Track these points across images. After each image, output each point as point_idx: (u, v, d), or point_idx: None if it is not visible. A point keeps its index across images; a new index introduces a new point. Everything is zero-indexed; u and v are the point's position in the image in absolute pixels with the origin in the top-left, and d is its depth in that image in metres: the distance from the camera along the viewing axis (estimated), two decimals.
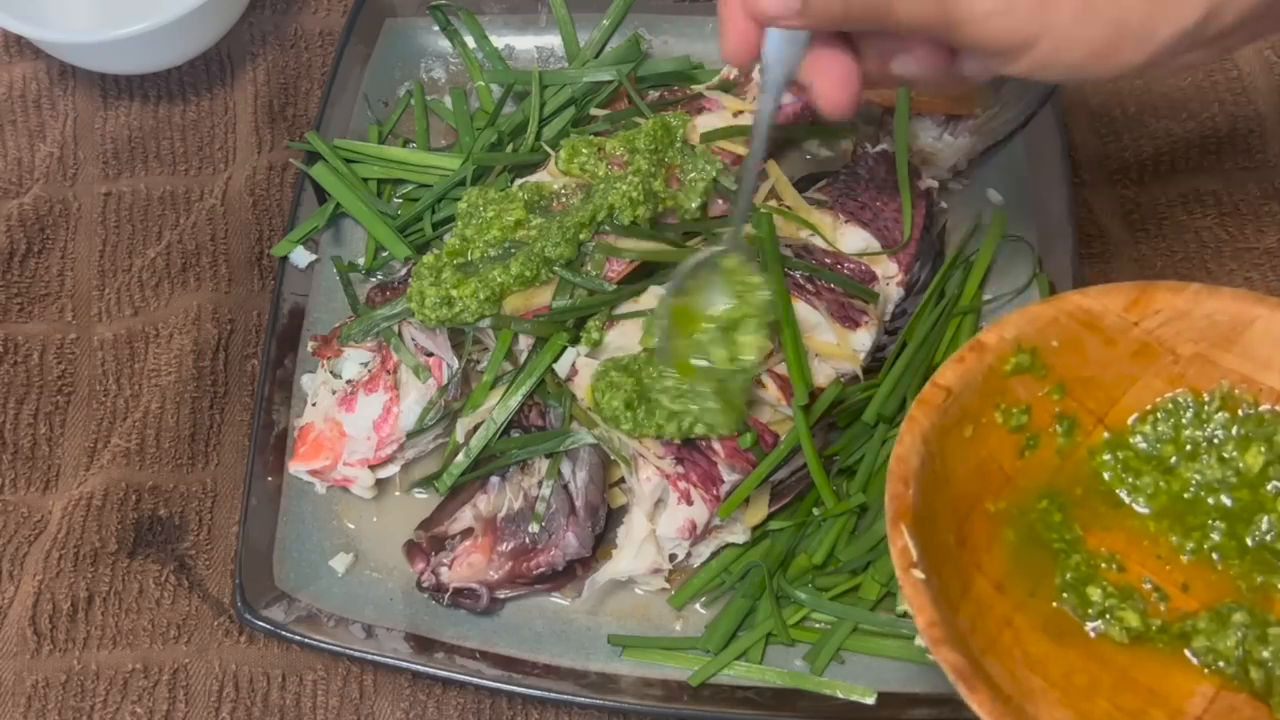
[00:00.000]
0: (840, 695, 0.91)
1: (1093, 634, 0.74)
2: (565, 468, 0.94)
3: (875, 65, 0.77)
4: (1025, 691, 0.69)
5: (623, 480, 0.97)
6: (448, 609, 0.95)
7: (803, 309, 0.98)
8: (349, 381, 1.01)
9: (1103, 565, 0.77)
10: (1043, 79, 0.74)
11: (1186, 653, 0.74)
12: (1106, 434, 0.80)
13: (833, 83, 0.76)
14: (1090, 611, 0.75)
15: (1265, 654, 0.72)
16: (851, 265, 1.02)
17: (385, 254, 1.10)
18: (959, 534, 0.74)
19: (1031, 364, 0.78)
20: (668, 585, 0.96)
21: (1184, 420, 0.79)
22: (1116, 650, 0.74)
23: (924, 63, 0.76)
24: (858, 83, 0.76)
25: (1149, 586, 0.77)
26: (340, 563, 0.98)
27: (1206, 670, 0.73)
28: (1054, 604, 0.75)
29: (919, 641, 0.67)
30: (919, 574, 0.68)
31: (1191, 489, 0.79)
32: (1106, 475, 0.79)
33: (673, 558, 0.94)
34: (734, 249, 0.89)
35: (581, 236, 0.99)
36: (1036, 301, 0.79)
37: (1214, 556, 0.77)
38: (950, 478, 0.75)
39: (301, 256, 1.09)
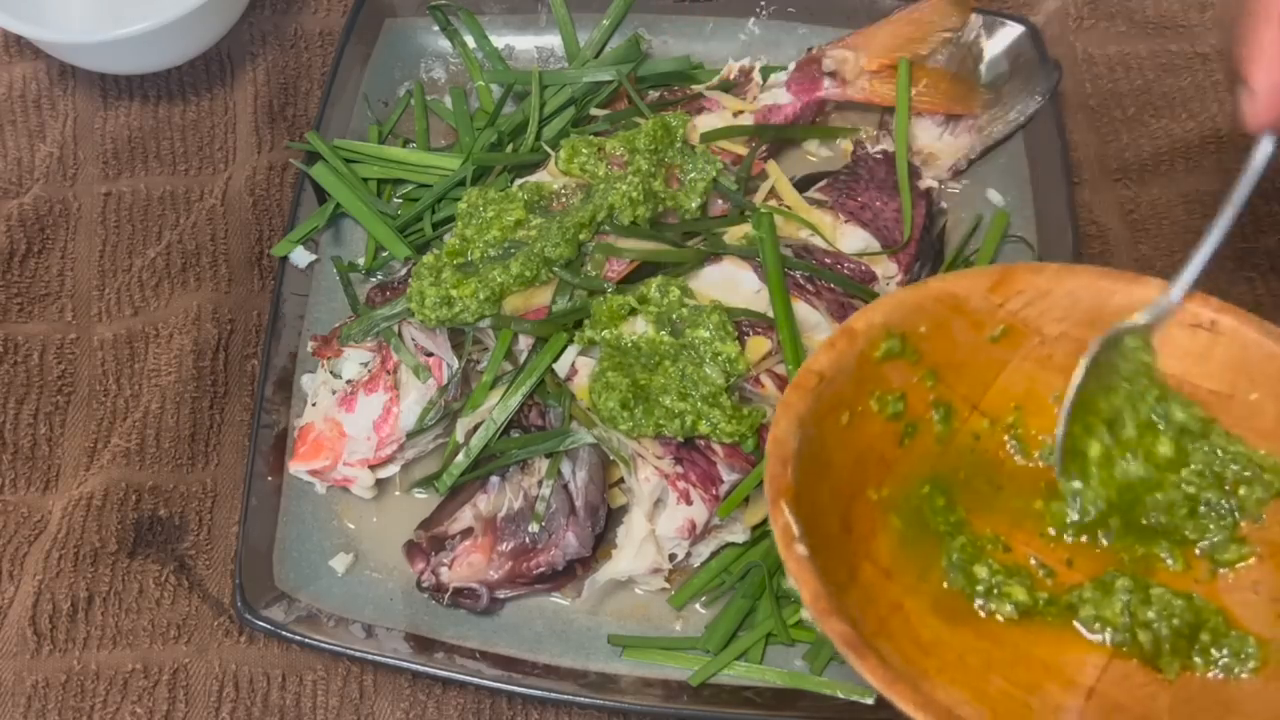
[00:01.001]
0: (840, 695, 0.91)
1: (982, 613, 0.75)
2: (565, 468, 0.94)
3: None
4: (919, 672, 0.69)
5: (622, 480, 0.97)
6: (448, 609, 0.95)
7: (802, 309, 0.98)
8: (349, 381, 1.01)
9: (988, 546, 0.77)
10: None
11: (1076, 624, 0.74)
12: (985, 420, 0.80)
13: None
14: (978, 590, 0.75)
15: (1150, 615, 0.73)
16: (851, 265, 1.02)
17: (385, 254, 1.10)
18: (844, 521, 0.74)
19: (903, 350, 0.78)
20: (668, 585, 0.96)
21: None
22: (1007, 628, 0.74)
23: None
24: None
25: (1035, 563, 0.77)
26: (340, 563, 0.98)
27: (1096, 639, 0.74)
28: (944, 586, 0.75)
29: (804, 614, 0.67)
30: (802, 549, 0.68)
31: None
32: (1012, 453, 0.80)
33: (672, 558, 0.94)
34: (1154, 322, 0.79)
35: (581, 236, 0.99)
36: (904, 288, 0.79)
37: (1097, 532, 0.78)
38: (831, 465, 0.75)
39: (301, 256, 1.09)
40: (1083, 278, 0.78)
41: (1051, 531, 0.78)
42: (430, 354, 1.00)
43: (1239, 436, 0.76)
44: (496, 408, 0.96)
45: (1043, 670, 0.73)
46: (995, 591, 0.75)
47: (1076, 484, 0.78)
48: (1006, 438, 0.81)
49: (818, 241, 1.04)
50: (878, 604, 0.72)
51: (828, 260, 1.02)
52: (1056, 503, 0.79)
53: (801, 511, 0.70)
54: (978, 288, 0.78)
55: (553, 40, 1.22)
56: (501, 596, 0.95)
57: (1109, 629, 0.74)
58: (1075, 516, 0.77)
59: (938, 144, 1.11)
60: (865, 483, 0.77)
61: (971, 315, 0.79)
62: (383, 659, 0.93)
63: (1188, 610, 0.73)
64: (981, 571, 0.76)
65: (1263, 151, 0.75)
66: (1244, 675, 0.71)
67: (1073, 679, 0.72)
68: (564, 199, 1.04)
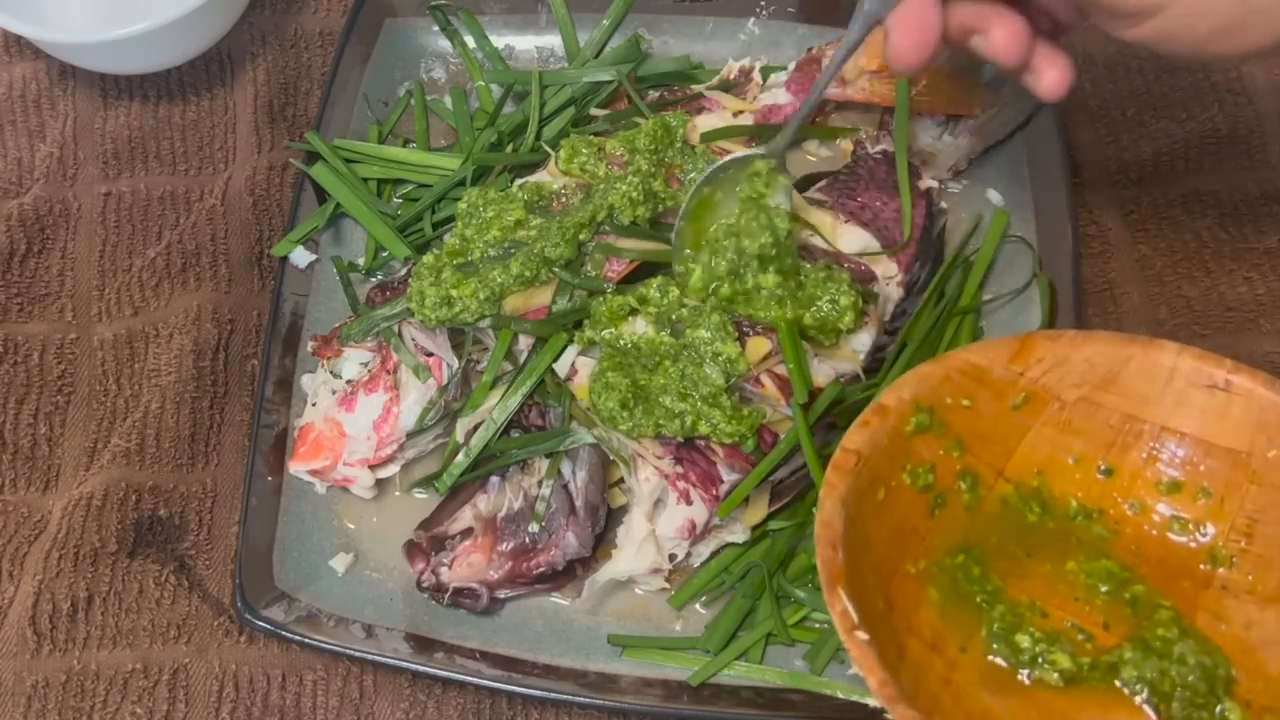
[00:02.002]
0: (840, 695, 0.91)
1: (1028, 681, 0.76)
2: (565, 468, 0.94)
3: (955, 35, 0.78)
4: None
5: (622, 480, 0.97)
6: (448, 609, 0.95)
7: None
8: (349, 381, 1.01)
9: (1026, 613, 0.78)
10: (1161, 51, 0.73)
11: (1118, 684, 0.76)
12: (1010, 485, 0.82)
13: (912, 35, 0.77)
14: (1022, 659, 0.76)
15: (1189, 667, 0.75)
16: (851, 265, 1.02)
17: (385, 254, 1.10)
18: (886, 598, 0.76)
19: (931, 423, 0.80)
20: (668, 585, 0.96)
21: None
22: (1054, 695, 0.75)
23: (999, 45, 0.78)
24: (935, 43, 0.77)
25: (1072, 626, 0.78)
26: (340, 563, 0.98)
27: (1140, 701, 0.75)
28: (987, 657, 0.77)
29: (873, 702, 0.68)
30: (863, 635, 0.69)
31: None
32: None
33: (672, 558, 0.94)
34: (771, 154, 0.93)
35: (581, 237, 0.99)
36: (927, 362, 0.82)
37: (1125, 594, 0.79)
38: (870, 542, 0.76)
39: (301, 256, 1.09)
40: (1099, 344, 0.81)
41: (1084, 593, 0.80)
42: (430, 354, 1.00)
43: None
44: (496, 408, 0.96)
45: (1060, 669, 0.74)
46: (1040, 660, 0.76)
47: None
48: (1033, 503, 0.83)
49: (818, 241, 1.04)
50: (928, 679, 0.74)
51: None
52: (1089, 562, 0.80)
53: (851, 593, 0.71)
54: (999, 358, 0.81)
55: (553, 40, 1.22)
56: (501, 596, 0.95)
57: (1148, 688, 0.75)
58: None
59: (938, 144, 1.11)
60: (903, 557, 0.79)
61: (994, 385, 0.81)
62: (383, 659, 0.93)
63: (1217, 664, 0.75)
64: (1024, 641, 0.77)
65: None
66: None
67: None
68: (564, 199, 1.04)
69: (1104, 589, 0.79)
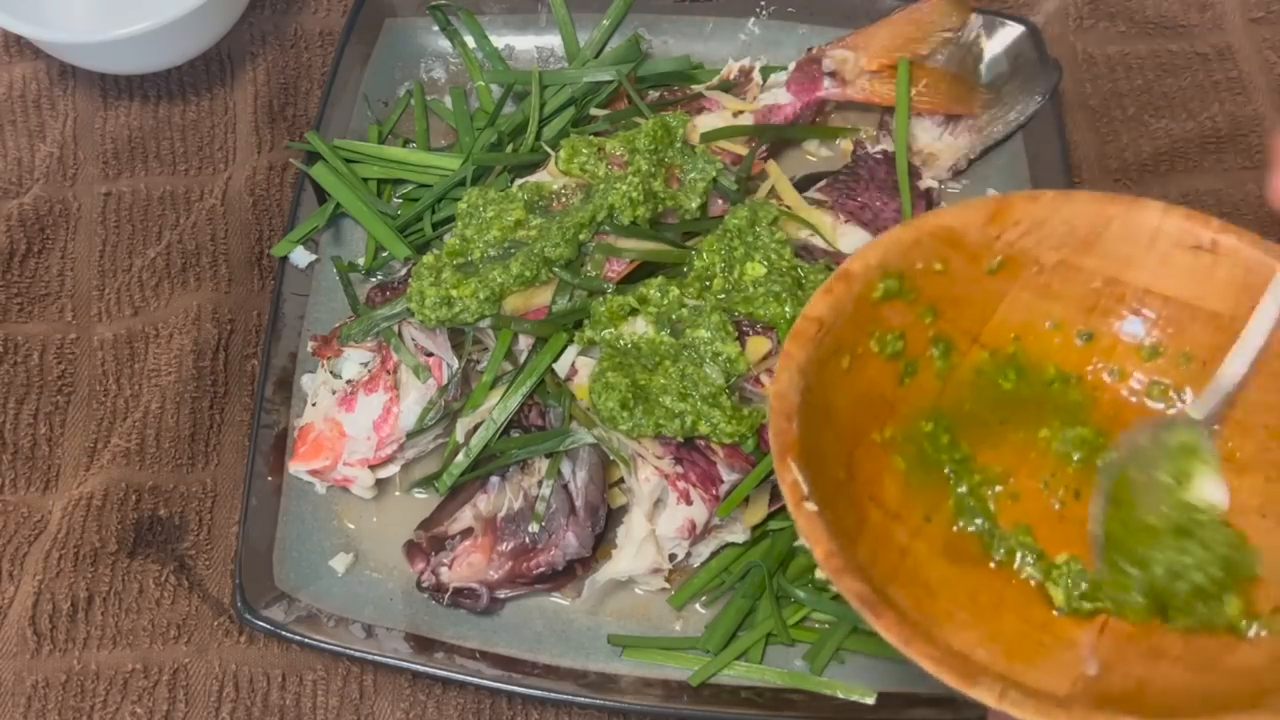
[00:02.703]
0: (840, 695, 0.91)
1: (994, 564, 0.74)
2: (565, 468, 0.94)
3: None
4: (931, 618, 0.68)
5: (622, 480, 0.97)
6: (448, 609, 0.95)
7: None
8: (349, 381, 1.01)
9: (997, 487, 0.76)
10: None
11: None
12: (986, 352, 0.79)
13: None
14: (998, 544, 0.74)
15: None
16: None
17: (385, 254, 1.10)
18: (848, 468, 0.73)
19: (900, 289, 0.77)
20: (668, 585, 0.96)
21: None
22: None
23: None
24: None
25: (1044, 488, 0.76)
26: (340, 563, 0.98)
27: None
28: (953, 528, 0.74)
29: (819, 574, 0.66)
30: (811, 506, 0.66)
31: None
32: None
33: (672, 557, 0.94)
34: (1205, 421, 0.77)
35: (581, 237, 0.99)
36: (899, 226, 0.78)
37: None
38: (832, 411, 0.73)
39: (301, 256, 1.09)
40: (1079, 204, 0.77)
41: (1055, 460, 0.77)
42: (430, 354, 1.00)
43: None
44: (496, 408, 0.96)
45: (1054, 607, 0.72)
46: (1021, 559, 0.74)
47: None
48: (1008, 369, 0.80)
49: (818, 241, 1.04)
50: (887, 550, 0.71)
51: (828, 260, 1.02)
52: (1063, 429, 0.78)
53: (807, 464, 0.68)
54: (974, 220, 0.77)
55: (553, 40, 1.22)
56: (501, 596, 0.95)
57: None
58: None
59: (938, 144, 1.11)
60: (869, 426, 0.76)
61: (968, 249, 0.77)
62: (383, 659, 0.93)
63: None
64: (998, 536, 0.75)
65: None
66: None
67: (1086, 615, 0.72)
68: (564, 199, 1.04)
69: (1076, 456, 0.77)
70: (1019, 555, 0.74)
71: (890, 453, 0.76)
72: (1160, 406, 0.78)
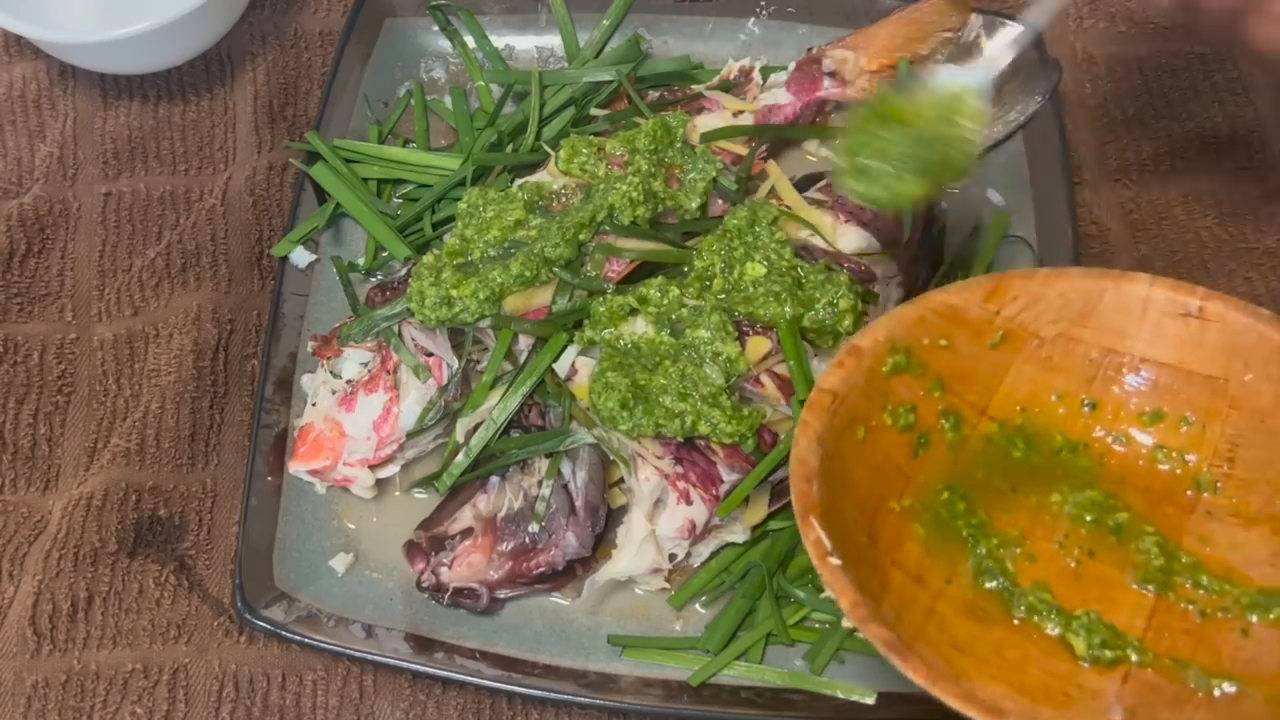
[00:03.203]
0: (840, 695, 0.91)
1: (1017, 621, 0.77)
2: (565, 468, 0.94)
3: None
4: (959, 671, 0.71)
5: (622, 480, 0.97)
6: (448, 609, 0.95)
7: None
8: (349, 381, 1.01)
9: (1014, 549, 0.79)
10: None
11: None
12: (994, 423, 0.82)
13: None
14: (1018, 601, 0.77)
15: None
16: (851, 265, 1.02)
17: (385, 254, 1.10)
18: (870, 534, 0.76)
19: (908, 363, 0.81)
20: (668, 585, 0.96)
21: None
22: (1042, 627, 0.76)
23: None
24: None
25: (1059, 548, 0.79)
26: (340, 563, 0.98)
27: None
28: (973, 589, 0.77)
29: (846, 623, 0.69)
30: (835, 561, 0.70)
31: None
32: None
33: (672, 557, 0.94)
34: (984, 81, 0.88)
35: (581, 237, 0.99)
36: (904, 304, 0.83)
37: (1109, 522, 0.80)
38: (851, 480, 0.77)
39: (301, 256, 1.09)
40: (1072, 280, 0.81)
41: (1068, 524, 0.80)
42: (430, 354, 1.00)
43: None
44: (496, 408, 0.96)
45: (1077, 658, 0.75)
46: (1042, 615, 0.77)
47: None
48: (1017, 439, 0.83)
49: (817, 241, 1.04)
50: (912, 610, 0.74)
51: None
52: (1073, 493, 0.81)
53: (829, 527, 0.72)
54: (974, 298, 0.81)
55: (553, 40, 1.22)
56: (501, 596, 0.95)
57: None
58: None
59: None
60: (886, 495, 0.79)
61: (971, 325, 0.81)
62: (383, 659, 0.93)
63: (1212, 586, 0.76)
64: (1018, 594, 0.77)
65: None
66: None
67: (1109, 665, 0.74)
68: (564, 199, 1.04)
69: (1089, 518, 0.80)
70: (1039, 611, 0.76)
71: (909, 520, 0.79)
72: (1167, 468, 0.81)
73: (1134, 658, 0.74)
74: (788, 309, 0.94)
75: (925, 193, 0.86)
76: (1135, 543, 0.79)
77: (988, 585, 0.77)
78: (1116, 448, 0.82)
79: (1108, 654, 0.74)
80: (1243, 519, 0.78)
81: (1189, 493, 0.80)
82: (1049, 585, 0.77)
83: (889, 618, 0.70)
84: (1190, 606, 0.76)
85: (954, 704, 0.64)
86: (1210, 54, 1.21)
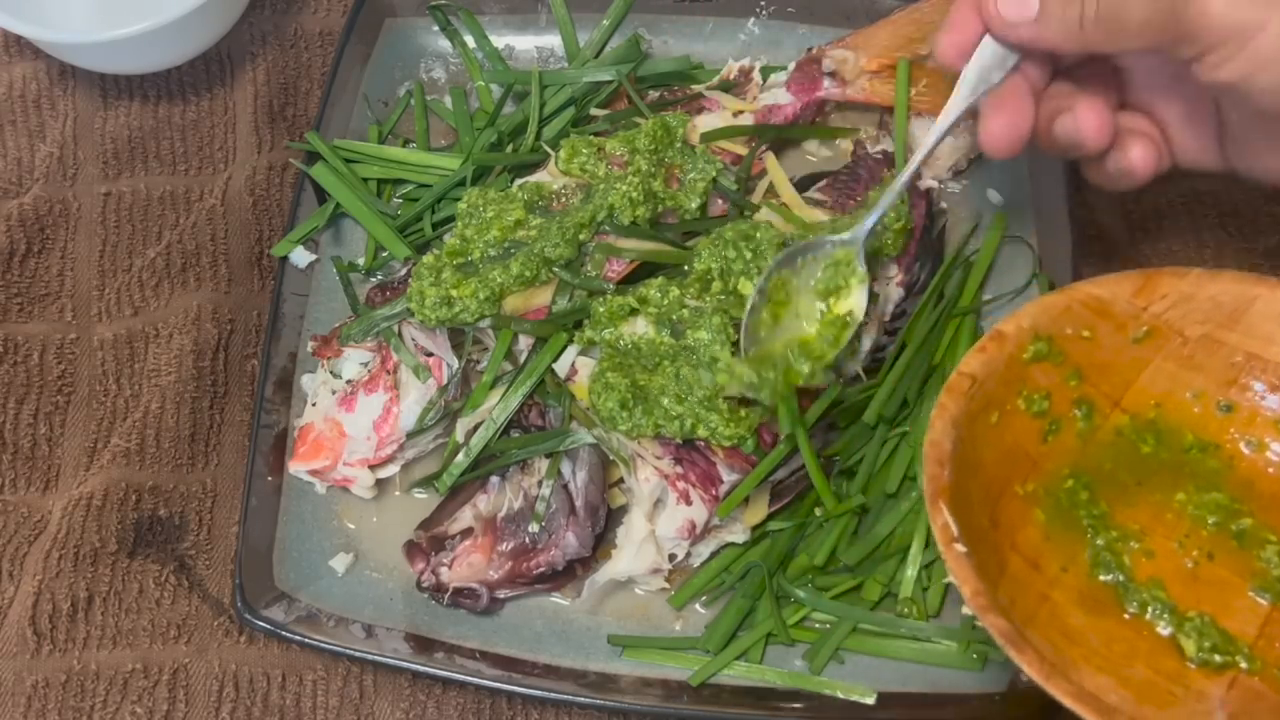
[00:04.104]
0: (840, 695, 0.91)
1: (1128, 616, 0.77)
2: (565, 468, 0.94)
3: (1044, 121, 0.83)
4: (1067, 661, 0.71)
5: (622, 480, 0.97)
6: (448, 609, 0.95)
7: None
8: (349, 381, 1.01)
9: (1133, 543, 0.80)
10: (1249, 92, 0.75)
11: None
12: (1127, 416, 0.83)
13: (1005, 123, 0.82)
14: (1131, 595, 0.78)
15: None
16: None
17: (385, 254, 1.10)
18: (992, 517, 0.77)
19: (1049, 351, 0.81)
20: (668, 585, 0.96)
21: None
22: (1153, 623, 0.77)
23: (1084, 123, 0.82)
24: (1028, 132, 0.82)
25: (1179, 548, 0.80)
26: (340, 563, 0.98)
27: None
28: (1088, 579, 0.78)
29: (965, 610, 0.70)
30: (961, 548, 0.71)
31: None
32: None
33: (672, 558, 0.94)
34: (852, 243, 0.94)
35: (581, 237, 0.99)
36: (1051, 293, 0.84)
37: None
38: (980, 463, 0.78)
39: (301, 256, 1.09)
40: (1225, 283, 0.82)
41: (1190, 524, 0.81)
42: (430, 354, 1.00)
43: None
44: (496, 408, 0.96)
45: (1185, 659, 0.75)
46: (1153, 612, 0.77)
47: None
48: (1148, 434, 0.83)
49: None
50: (1026, 595, 0.75)
51: None
52: (1198, 494, 0.81)
53: (955, 509, 0.73)
54: (1123, 292, 0.82)
55: (553, 40, 1.22)
56: (501, 596, 0.95)
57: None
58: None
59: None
60: (1012, 479, 0.80)
61: (1116, 318, 0.82)
62: (383, 659, 0.93)
63: None
64: (1133, 589, 0.78)
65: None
66: None
67: (1216, 669, 0.74)
68: (564, 199, 1.04)
69: (1212, 520, 0.80)
70: (1151, 608, 0.77)
71: (1032, 505, 0.80)
72: None
73: (1243, 664, 0.74)
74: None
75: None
76: (1256, 550, 0.79)
77: (1103, 577, 0.78)
78: (1247, 452, 0.82)
79: (1217, 658, 0.74)
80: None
81: None
82: (1164, 583, 0.78)
83: (1004, 603, 0.71)
84: None
85: (1066, 701, 0.65)
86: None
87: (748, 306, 0.93)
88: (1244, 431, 0.82)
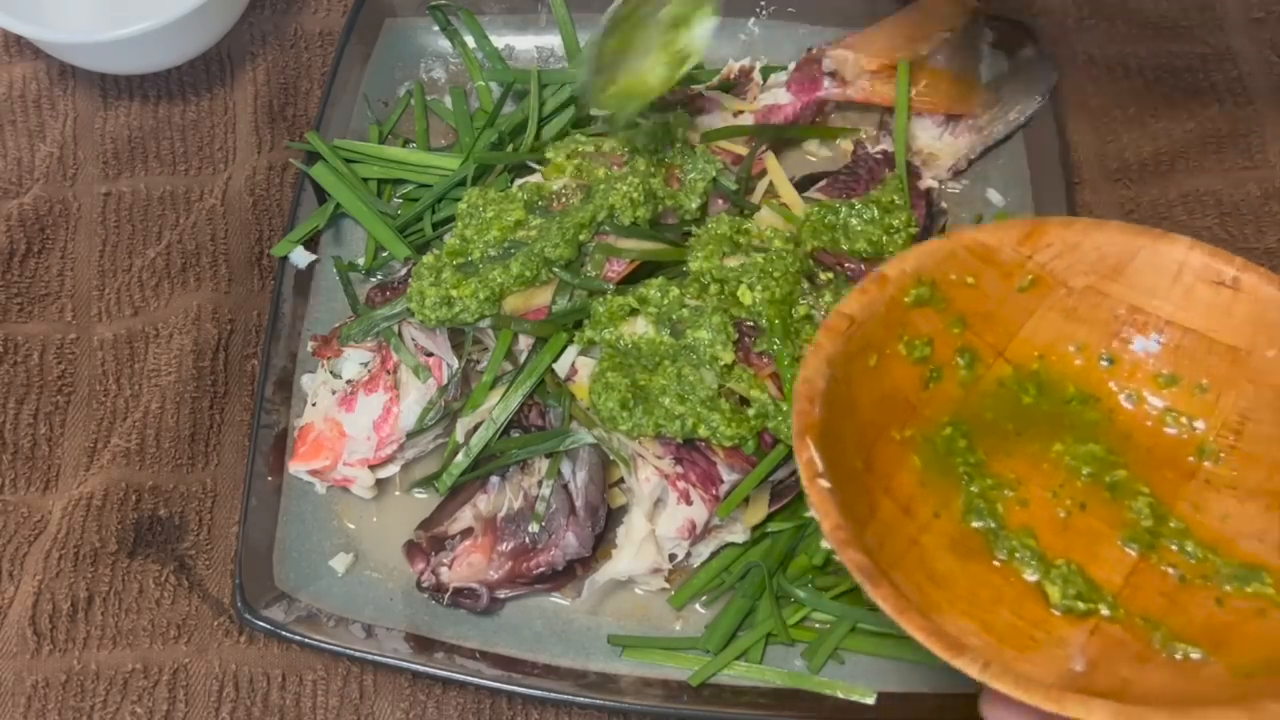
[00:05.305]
0: (840, 695, 0.91)
1: (998, 563, 0.77)
2: (565, 468, 0.94)
3: None
4: (930, 604, 0.71)
5: (622, 480, 0.97)
6: (448, 609, 0.95)
7: None
8: (349, 381, 1.01)
9: (1007, 492, 0.79)
10: None
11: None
12: (1009, 366, 0.82)
13: None
14: (1000, 543, 0.77)
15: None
16: (852, 265, 1.02)
17: (385, 254, 1.10)
18: (866, 460, 0.76)
19: (931, 296, 0.80)
20: (668, 585, 0.96)
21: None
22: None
23: None
24: None
25: (1053, 498, 0.79)
26: (340, 563, 0.98)
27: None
28: (959, 525, 0.77)
29: (824, 544, 0.69)
30: (824, 483, 0.70)
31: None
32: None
33: (672, 558, 0.94)
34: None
35: (581, 237, 0.99)
36: (936, 237, 0.83)
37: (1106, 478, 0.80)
38: (856, 405, 0.77)
39: (301, 256, 1.09)
40: (1110, 233, 0.80)
41: (1065, 475, 0.81)
42: (430, 354, 1.00)
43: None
44: (496, 408, 0.96)
45: (1050, 605, 0.75)
46: (1020, 557, 0.77)
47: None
48: (1030, 385, 0.83)
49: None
50: (895, 539, 0.75)
51: (828, 259, 1.02)
52: (1076, 445, 0.81)
53: (826, 449, 0.72)
54: (1008, 239, 0.81)
55: (553, 40, 1.22)
56: (501, 596, 0.95)
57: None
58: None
59: (938, 144, 1.11)
60: (889, 423, 0.79)
61: (1001, 266, 0.81)
62: (383, 659, 0.93)
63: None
64: (1003, 537, 0.78)
65: None
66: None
67: (1079, 616, 0.74)
68: (564, 199, 1.04)
69: (1086, 471, 0.80)
70: (1020, 555, 0.77)
71: (908, 451, 0.79)
72: (1174, 432, 0.81)
73: (1105, 612, 0.74)
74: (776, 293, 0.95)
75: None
76: (1129, 501, 0.79)
77: (975, 524, 0.78)
78: (1127, 405, 0.82)
79: (1080, 605, 0.74)
80: (1239, 491, 0.78)
81: (1190, 459, 0.80)
82: (1035, 532, 0.78)
83: (871, 544, 0.70)
84: (1171, 570, 0.76)
85: (918, 636, 0.65)
86: (1210, 54, 1.21)
87: (594, 35, 0.92)
88: (1124, 384, 0.82)
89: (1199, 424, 0.80)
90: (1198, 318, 0.80)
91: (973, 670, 0.63)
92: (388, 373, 0.99)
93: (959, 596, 0.73)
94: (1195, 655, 0.71)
